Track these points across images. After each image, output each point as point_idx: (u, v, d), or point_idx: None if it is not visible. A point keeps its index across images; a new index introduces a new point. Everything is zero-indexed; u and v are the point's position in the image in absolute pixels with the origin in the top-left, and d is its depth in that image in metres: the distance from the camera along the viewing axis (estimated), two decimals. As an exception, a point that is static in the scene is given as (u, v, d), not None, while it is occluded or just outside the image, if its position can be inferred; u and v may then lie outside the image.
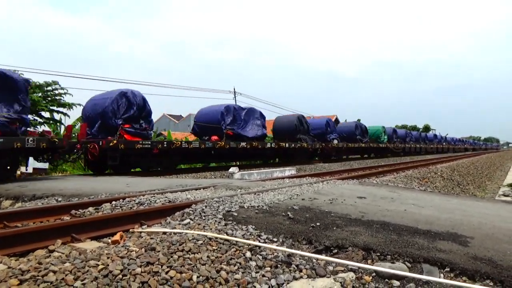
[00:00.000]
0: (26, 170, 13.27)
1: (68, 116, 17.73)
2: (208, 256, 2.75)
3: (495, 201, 6.76)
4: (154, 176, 10.96)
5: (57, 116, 18.02)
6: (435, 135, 51.52)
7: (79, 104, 17.73)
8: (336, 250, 3.13)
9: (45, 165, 13.97)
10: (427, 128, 77.50)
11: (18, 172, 14.84)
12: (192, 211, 4.04)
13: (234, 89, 35.77)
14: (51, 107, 16.79)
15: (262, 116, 17.90)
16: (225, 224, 3.55)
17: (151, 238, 3.10)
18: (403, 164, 17.00)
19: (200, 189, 6.27)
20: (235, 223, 3.61)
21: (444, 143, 51.51)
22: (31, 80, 16.43)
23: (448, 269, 2.71)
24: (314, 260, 2.92)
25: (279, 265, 2.83)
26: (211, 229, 3.37)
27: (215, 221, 3.63)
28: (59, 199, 5.76)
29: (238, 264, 2.76)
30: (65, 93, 16.94)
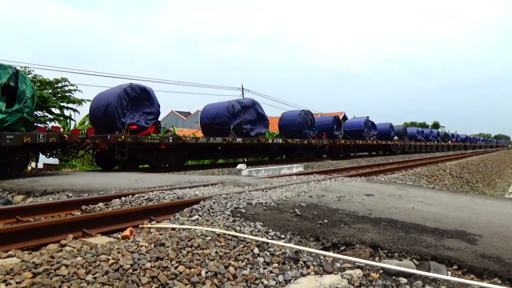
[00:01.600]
0: (36, 165, 13.50)
1: (78, 112, 17.91)
2: (216, 252, 2.79)
3: (504, 199, 6.71)
4: (162, 172, 11.05)
5: (66, 113, 18.22)
6: (421, 131, 39.61)
7: (89, 100, 17.91)
8: (343, 247, 3.15)
9: (55, 161, 14.21)
10: (436, 125, 76.74)
11: (29, 167, 15.06)
12: (201, 207, 4.08)
13: (242, 85, 35.78)
14: (61, 104, 16.98)
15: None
16: (233, 221, 3.59)
17: (160, 234, 3.15)
18: (412, 161, 16.91)
19: (208, 185, 6.32)
20: (243, 219, 3.65)
21: (436, 141, 40.41)
22: (41, 77, 16.65)
23: (456, 267, 2.71)
24: (321, 257, 2.94)
25: (286, 262, 2.85)
26: (219, 225, 3.41)
27: (223, 217, 3.67)
28: (70, 194, 5.85)
29: (246, 260, 2.79)
30: (74, 90, 17.11)
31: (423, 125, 72.13)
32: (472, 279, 2.59)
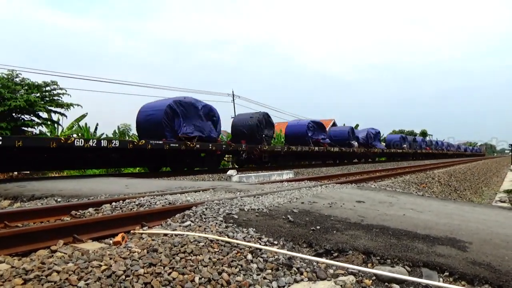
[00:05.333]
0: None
1: (66, 116, 17.71)
2: (209, 258, 2.77)
3: (492, 207, 6.81)
4: (152, 177, 10.96)
5: (54, 117, 17.99)
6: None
7: (78, 105, 17.73)
8: (336, 254, 3.16)
9: None
10: (424, 133, 77.70)
11: (15, 172, 14.81)
12: (193, 213, 4.06)
13: (233, 92, 35.83)
14: (49, 108, 16.77)
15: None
16: (226, 227, 3.58)
17: (153, 240, 3.12)
18: (401, 169, 17.07)
19: (199, 191, 6.29)
20: (235, 225, 3.64)
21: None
22: (29, 80, 16.44)
23: (447, 274, 2.74)
24: (314, 263, 2.95)
25: (280, 268, 2.85)
26: (212, 231, 3.40)
27: (216, 223, 3.66)
28: (59, 199, 5.77)
29: (240, 266, 2.78)
30: (63, 94, 16.93)
31: (411, 133, 72.91)
32: (463, 285, 2.62)
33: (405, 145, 36.56)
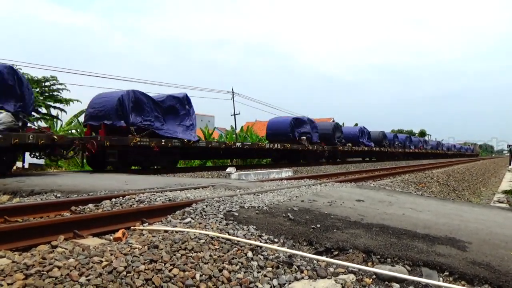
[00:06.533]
0: (23, 165, 13.29)
1: (65, 112, 17.69)
2: (210, 255, 2.78)
3: (490, 207, 6.83)
4: (151, 174, 10.96)
5: (53, 112, 17.97)
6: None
7: (77, 100, 17.72)
8: (336, 252, 3.17)
9: (41, 161, 14.04)
10: (423, 133, 77.78)
11: (14, 167, 14.79)
12: (193, 210, 4.05)
13: (232, 89, 35.75)
14: (48, 103, 16.75)
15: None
16: (226, 224, 3.58)
17: (153, 236, 3.12)
18: (399, 168, 17.10)
19: (199, 188, 6.28)
20: (236, 223, 3.64)
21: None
22: (28, 75, 16.40)
23: (447, 273, 2.75)
24: (315, 261, 2.96)
25: (280, 266, 2.85)
26: (212, 228, 3.40)
27: (216, 220, 3.66)
28: (58, 195, 5.76)
29: (240, 264, 2.78)
30: (62, 89, 16.91)
31: (410, 133, 72.99)
32: (463, 285, 2.63)
33: (309, 135, 20.70)
